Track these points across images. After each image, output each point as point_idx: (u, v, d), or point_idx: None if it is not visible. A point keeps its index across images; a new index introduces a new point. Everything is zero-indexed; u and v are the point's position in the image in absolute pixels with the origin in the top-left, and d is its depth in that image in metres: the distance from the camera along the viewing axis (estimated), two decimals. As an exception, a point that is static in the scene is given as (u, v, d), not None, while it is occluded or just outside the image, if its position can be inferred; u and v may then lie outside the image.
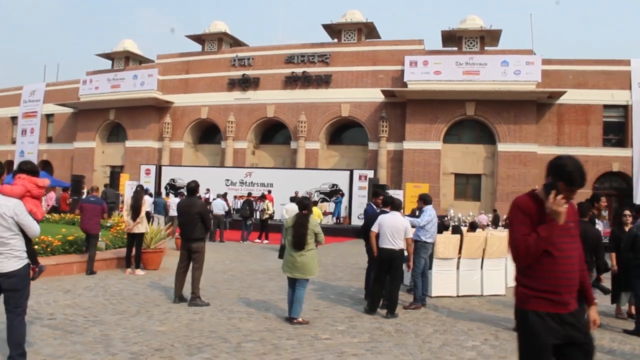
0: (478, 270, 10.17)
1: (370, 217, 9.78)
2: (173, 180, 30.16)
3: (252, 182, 28.89)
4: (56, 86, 38.71)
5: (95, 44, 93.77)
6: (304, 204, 7.50)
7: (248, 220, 19.39)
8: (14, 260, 4.56)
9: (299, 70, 32.08)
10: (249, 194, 21.63)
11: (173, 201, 19.13)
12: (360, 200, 26.69)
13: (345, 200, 27.27)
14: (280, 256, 7.66)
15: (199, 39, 34.86)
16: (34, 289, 4.53)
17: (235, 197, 27.60)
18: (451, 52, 30.47)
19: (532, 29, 58.26)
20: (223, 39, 34.61)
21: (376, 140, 30.45)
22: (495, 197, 28.90)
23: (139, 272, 10.82)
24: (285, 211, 17.74)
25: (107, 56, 36.82)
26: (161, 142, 34.45)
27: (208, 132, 35.37)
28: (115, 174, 28.71)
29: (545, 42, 54.99)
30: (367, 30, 32.27)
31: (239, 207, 26.58)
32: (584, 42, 71.60)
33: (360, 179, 26.99)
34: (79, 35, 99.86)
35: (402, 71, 30.24)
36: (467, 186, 30.50)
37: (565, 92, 27.94)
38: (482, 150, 29.91)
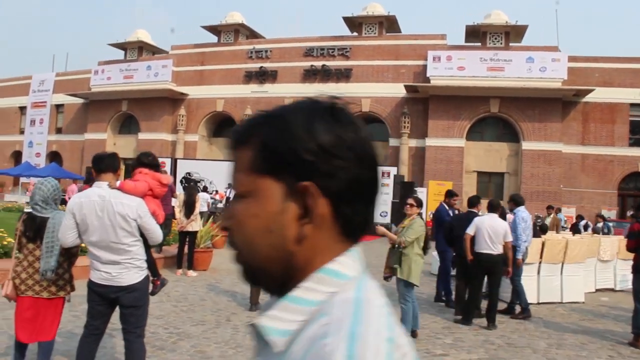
0: (558, 275, 9.53)
1: (446, 218, 9.14)
2: (189, 173, 29.37)
3: (270, 178, 28.14)
4: (66, 76, 37.74)
5: (105, 35, 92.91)
6: (421, 201, 6.80)
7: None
8: (135, 271, 3.83)
9: (318, 63, 31.31)
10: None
11: (202, 196, 18.33)
12: (383, 198, 25.96)
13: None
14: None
15: (214, 30, 34.02)
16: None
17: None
18: (475, 48, 29.78)
19: (557, 25, 57.51)
20: (240, 31, 33.79)
21: (397, 136, 29.73)
22: (518, 196, 28.25)
23: (192, 273, 10.10)
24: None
25: (120, 46, 35.89)
26: (175, 134, 33.64)
27: (223, 125, 34.56)
28: (129, 166, 27.96)
29: (571, 39, 54.01)
30: (388, 24, 31.53)
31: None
32: (611, 40, 70.81)
33: (383, 175, 26.25)
34: (88, 26, 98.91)
35: (424, 66, 29.54)
36: (490, 184, 29.82)
37: (592, 90, 27.26)
38: (506, 148, 29.25)
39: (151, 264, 4.10)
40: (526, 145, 28.17)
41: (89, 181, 25.67)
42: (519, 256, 7.97)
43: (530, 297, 9.30)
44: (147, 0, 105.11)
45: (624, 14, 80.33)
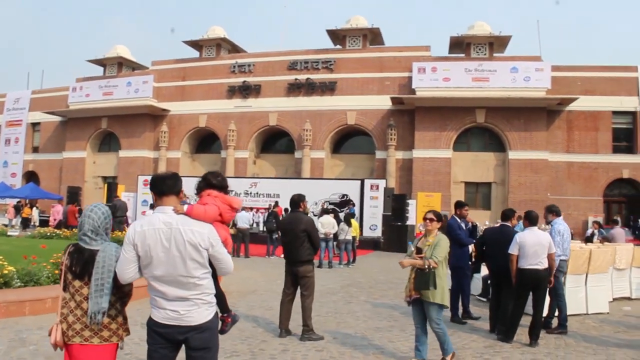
0: (583, 286, 9.32)
1: (459, 231, 8.74)
2: (174, 191, 28.70)
3: (257, 193, 27.68)
4: (43, 94, 36.82)
5: (83, 51, 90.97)
6: (441, 215, 6.42)
7: (274, 233, 18.18)
8: (205, 307, 3.31)
9: (302, 77, 31.09)
10: (276, 204, 20.19)
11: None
12: (372, 211, 25.70)
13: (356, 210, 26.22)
14: None
15: (196, 44, 33.57)
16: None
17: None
18: (459, 59, 29.92)
19: (539, 35, 58.57)
20: (221, 45, 33.41)
21: (384, 148, 29.60)
22: (506, 206, 28.18)
23: (203, 296, 9.58)
24: (320, 225, 16.73)
25: (98, 62, 35.16)
26: (157, 151, 32.95)
27: (206, 141, 34.04)
28: (112, 185, 27.22)
29: (552, 48, 54.70)
30: (372, 36, 31.51)
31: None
32: (591, 48, 71.97)
33: (372, 188, 26.03)
34: (64, 42, 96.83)
35: (409, 78, 29.55)
36: (477, 195, 29.84)
37: (576, 98, 27.58)
38: (492, 158, 29.34)
39: (220, 298, 3.66)
40: (512, 154, 28.30)
41: (72, 202, 24.88)
42: (558, 272, 7.74)
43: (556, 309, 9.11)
44: (125, 16, 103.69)
45: (604, 23, 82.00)
